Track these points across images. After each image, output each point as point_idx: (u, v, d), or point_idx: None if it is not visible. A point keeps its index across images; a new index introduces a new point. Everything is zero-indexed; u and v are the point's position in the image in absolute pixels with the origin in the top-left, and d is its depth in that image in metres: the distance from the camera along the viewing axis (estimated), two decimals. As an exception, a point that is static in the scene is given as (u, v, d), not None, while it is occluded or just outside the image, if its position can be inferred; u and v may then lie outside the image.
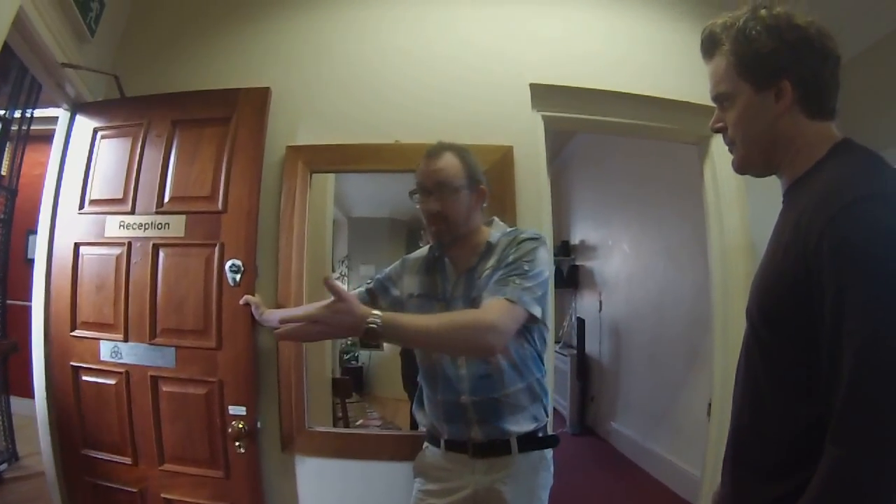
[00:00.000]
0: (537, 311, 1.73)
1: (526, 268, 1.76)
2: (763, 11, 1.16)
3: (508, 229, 1.97)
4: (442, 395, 1.92)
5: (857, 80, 4.03)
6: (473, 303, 1.82)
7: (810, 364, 1.02)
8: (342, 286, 1.46)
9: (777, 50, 1.14)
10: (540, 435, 1.94)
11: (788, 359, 1.08)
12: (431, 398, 1.97)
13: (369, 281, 2.15)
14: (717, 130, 1.28)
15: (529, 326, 1.84)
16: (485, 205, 1.98)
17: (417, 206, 1.92)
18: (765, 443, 1.12)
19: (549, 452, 1.96)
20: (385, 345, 2.70)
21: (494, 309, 1.67)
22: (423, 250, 2.07)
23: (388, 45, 2.62)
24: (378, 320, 1.42)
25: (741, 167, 1.28)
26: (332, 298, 1.41)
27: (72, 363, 2.40)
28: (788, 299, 1.06)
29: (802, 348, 1.03)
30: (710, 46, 1.24)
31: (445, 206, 1.87)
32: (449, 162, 1.90)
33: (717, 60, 1.22)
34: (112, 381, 2.37)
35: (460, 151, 1.93)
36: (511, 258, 1.80)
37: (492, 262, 1.85)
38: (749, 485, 1.16)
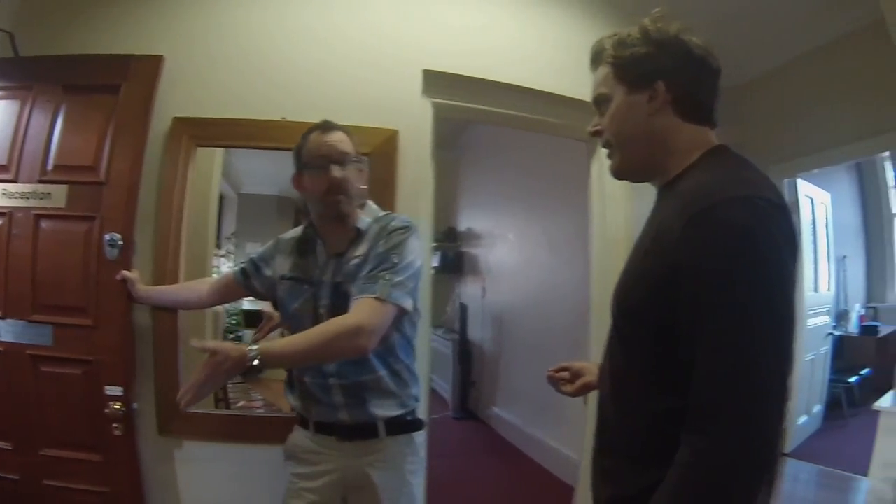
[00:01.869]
0: (408, 305, 1.78)
1: (395, 260, 1.79)
2: (646, 20, 1.21)
3: (381, 214, 1.98)
4: (309, 377, 1.90)
5: (754, 101, 4.46)
6: (338, 288, 1.85)
7: (669, 358, 1.05)
8: (207, 343, 1.59)
9: (652, 54, 1.19)
10: (408, 419, 1.96)
11: (648, 353, 1.11)
12: (300, 380, 1.95)
13: (244, 262, 2.13)
14: (594, 134, 1.32)
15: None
16: (363, 186, 1.99)
17: (312, 181, 1.89)
18: (629, 434, 1.16)
19: (418, 436, 1.98)
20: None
21: (362, 310, 1.71)
22: (298, 230, 2.04)
23: (281, 20, 2.55)
24: (257, 356, 1.50)
25: (618, 171, 1.31)
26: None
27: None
28: (648, 296, 1.09)
29: (661, 343, 1.06)
30: (596, 57, 1.30)
31: (348, 176, 1.87)
32: (343, 136, 1.92)
33: (601, 68, 1.27)
34: (-11, 361, 2.24)
35: (347, 130, 1.95)
36: (381, 249, 1.83)
37: (361, 249, 1.87)
38: (616, 475, 1.19)
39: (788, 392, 0.98)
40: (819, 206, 5.35)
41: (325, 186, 1.85)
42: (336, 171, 1.85)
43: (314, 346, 1.63)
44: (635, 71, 1.20)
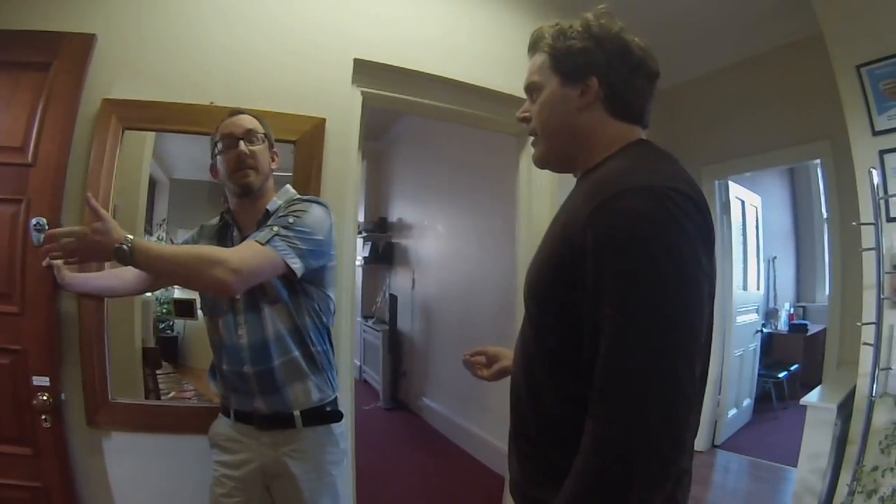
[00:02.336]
0: (294, 263, 1.75)
1: (290, 221, 1.80)
2: (589, 15, 1.23)
3: (295, 196, 1.99)
4: (227, 365, 1.93)
5: (689, 104, 4.66)
6: None
7: (575, 343, 1.05)
8: (101, 208, 1.52)
9: (590, 49, 1.20)
10: (327, 409, 1.97)
11: (556, 337, 1.12)
12: (219, 368, 1.97)
13: None
14: (523, 120, 1.35)
15: (308, 295, 1.89)
16: (274, 169, 2.02)
17: (223, 162, 1.91)
18: (538, 419, 1.17)
19: (337, 427, 2.00)
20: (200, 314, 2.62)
21: (237, 248, 1.73)
22: (219, 217, 2.05)
23: (216, 5, 2.49)
24: (129, 244, 1.49)
25: (540, 160, 1.33)
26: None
27: None
28: (554, 281, 1.11)
29: (568, 328, 1.07)
30: (534, 43, 1.30)
31: (255, 152, 1.89)
32: (250, 117, 1.96)
33: (537, 56, 1.29)
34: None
35: (258, 115, 2.00)
36: (281, 213, 1.85)
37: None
38: (529, 458, 1.21)
39: (691, 383, 0.97)
40: (749, 208, 5.54)
41: (234, 162, 1.88)
42: (242, 146, 1.87)
43: (180, 259, 1.60)
44: (571, 63, 1.22)
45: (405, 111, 3.48)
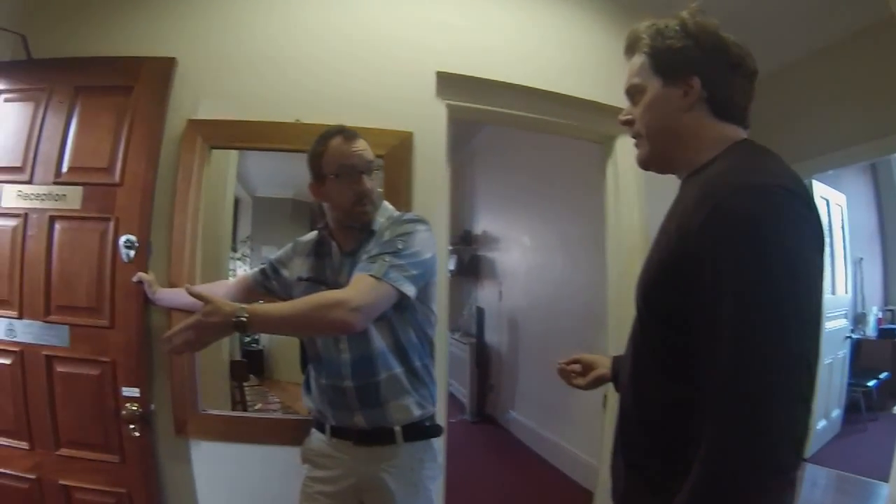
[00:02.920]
0: (408, 289, 1.72)
1: (399, 246, 1.76)
2: (685, 14, 1.20)
3: (395, 214, 1.97)
4: (326, 380, 1.91)
5: (766, 100, 4.41)
6: None
7: (687, 347, 1.04)
8: (203, 290, 1.58)
9: (689, 48, 1.18)
10: (426, 424, 1.94)
11: (667, 342, 1.11)
12: (317, 382, 1.96)
13: (263, 263, 2.14)
14: (625, 123, 1.30)
15: (412, 310, 1.86)
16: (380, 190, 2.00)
17: (340, 191, 1.87)
18: (649, 424, 1.16)
19: (435, 442, 1.96)
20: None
21: (352, 285, 1.69)
22: (314, 233, 2.05)
23: (296, 22, 2.55)
24: (244, 314, 1.47)
25: (644, 161, 1.30)
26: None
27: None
28: (668, 284, 1.09)
29: (680, 331, 1.06)
30: (631, 44, 1.28)
31: (374, 186, 1.89)
32: (366, 145, 1.90)
33: (636, 57, 1.26)
34: (7, 361, 2.25)
35: (363, 136, 1.94)
36: (386, 237, 1.81)
37: (372, 244, 1.84)
38: (639, 464, 1.18)
39: (809, 388, 0.95)
40: (835, 208, 5.31)
41: (355, 197, 1.86)
42: (367, 182, 1.86)
43: (298, 313, 1.61)
44: (671, 64, 1.20)
45: (489, 122, 3.46)
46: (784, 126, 4.31)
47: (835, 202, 5.31)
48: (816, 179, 4.70)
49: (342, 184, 1.86)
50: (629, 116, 1.29)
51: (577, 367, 1.67)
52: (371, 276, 1.68)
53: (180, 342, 1.47)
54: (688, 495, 0.97)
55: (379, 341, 1.84)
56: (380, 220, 1.92)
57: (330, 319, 1.59)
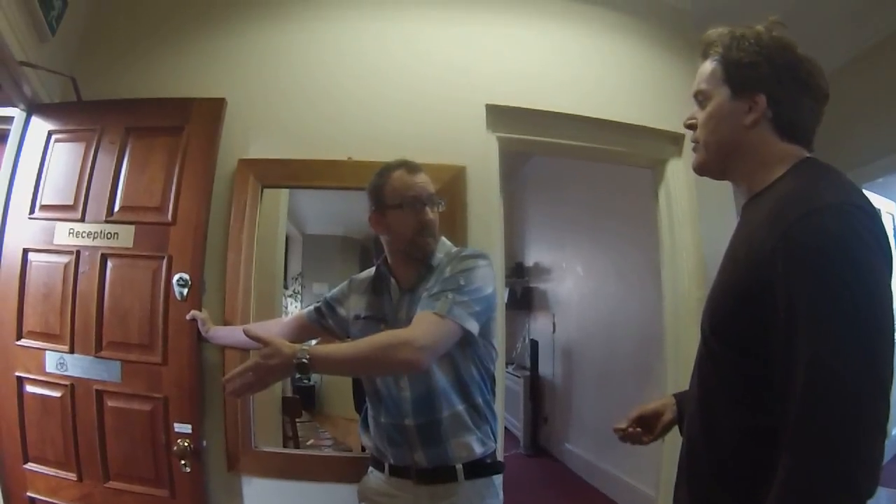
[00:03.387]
0: (472, 326, 1.70)
1: (462, 282, 1.74)
2: (761, 27, 1.19)
3: (454, 249, 1.96)
4: (385, 418, 1.88)
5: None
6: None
7: (759, 375, 1.02)
8: (260, 331, 1.61)
9: (760, 64, 1.17)
10: (488, 461, 1.89)
11: (738, 370, 1.09)
12: (376, 420, 1.93)
13: (318, 301, 2.14)
14: (689, 126, 1.31)
15: (474, 346, 1.83)
16: None
17: (403, 222, 1.88)
18: (716, 453, 1.14)
19: (497, 479, 1.92)
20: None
21: (417, 324, 1.67)
22: (371, 270, 2.05)
23: (344, 60, 2.59)
24: (306, 356, 1.47)
25: (700, 167, 1.30)
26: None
27: (16, 374, 2.30)
28: (739, 311, 1.07)
29: (752, 359, 1.05)
30: (705, 49, 1.27)
31: (436, 218, 1.89)
32: (428, 178, 1.93)
33: (707, 62, 1.26)
34: (57, 394, 2.28)
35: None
36: (448, 273, 1.80)
37: (432, 281, 1.83)
38: (704, 496, 1.16)
39: (886, 413, 0.94)
40: (886, 217, 5.11)
41: (418, 227, 1.86)
42: (430, 213, 1.87)
43: (362, 353, 1.60)
44: (740, 76, 1.19)
45: (540, 153, 3.42)
46: (831, 133, 4.11)
47: (886, 211, 5.15)
48: (865, 189, 4.50)
49: (406, 214, 1.86)
50: (693, 120, 1.29)
51: (639, 430, 1.60)
52: (435, 313, 1.66)
53: (240, 385, 1.49)
54: None
55: (441, 378, 1.82)
56: (439, 256, 1.91)
57: (396, 359, 1.58)
